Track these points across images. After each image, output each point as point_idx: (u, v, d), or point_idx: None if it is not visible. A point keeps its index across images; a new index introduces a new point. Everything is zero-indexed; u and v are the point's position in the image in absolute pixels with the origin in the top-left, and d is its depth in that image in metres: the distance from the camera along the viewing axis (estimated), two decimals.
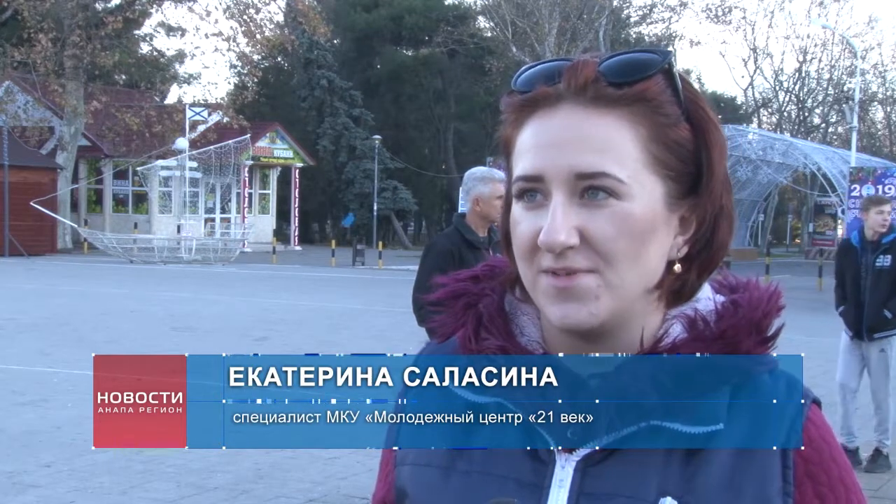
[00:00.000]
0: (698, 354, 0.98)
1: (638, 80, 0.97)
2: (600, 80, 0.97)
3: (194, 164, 33.40)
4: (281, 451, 7.28)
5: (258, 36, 36.38)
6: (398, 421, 1.11)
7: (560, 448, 1.00)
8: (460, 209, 5.48)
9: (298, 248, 41.22)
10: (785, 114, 58.86)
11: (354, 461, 7.09)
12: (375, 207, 43.52)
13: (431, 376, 1.10)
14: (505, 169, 1.07)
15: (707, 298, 1.05)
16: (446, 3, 51.05)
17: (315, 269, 29.15)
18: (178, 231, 33.33)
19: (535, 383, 1.00)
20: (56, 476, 6.50)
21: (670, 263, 1.01)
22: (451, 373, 1.07)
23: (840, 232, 38.45)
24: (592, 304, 0.97)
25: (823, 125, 59.47)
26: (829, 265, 32.34)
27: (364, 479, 6.57)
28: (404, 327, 15.07)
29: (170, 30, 42.08)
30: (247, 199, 39.50)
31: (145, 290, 19.90)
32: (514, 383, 1.01)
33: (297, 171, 42.18)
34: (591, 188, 0.96)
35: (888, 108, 62.13)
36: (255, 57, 40.62)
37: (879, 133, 66.39)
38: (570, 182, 0.96)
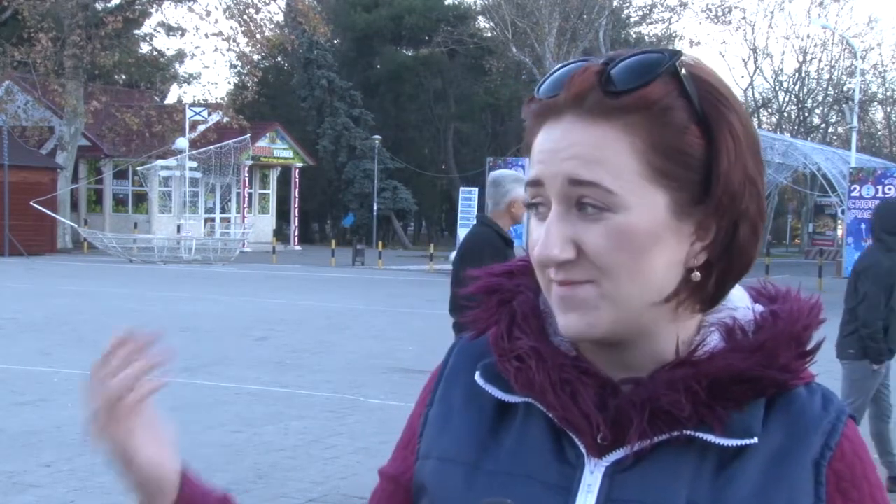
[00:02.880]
0: (736, 366, 0.97)
1: (638, 87, 0.94)
2: (596, 89, 0.94)
3: (194, 164, 33.38)
4: (281, 451, 7.29)
5: (258, 36, 36.40)
6: (426, 412, 1.11)
7: (589, 452, 0.99)
8: (490, 209, 5.54)
9: (298, 248, 41.22)
10: (785, 114, 58.89)
11: (354, 461, 7.09)
12: (375, 207, 43.52)
13: (463, 372, 1.10)
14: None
15: (746, 308, 1.02)
16: (446, 3, 51.06)
17: (315, 269, 29.15)
18: (178, 231, 33.33)
19: (566, 385, 0.99)
20: (56, 476, 6.50)
21: (690, 271, 0.98)
22: (483, 370, 1.06)
23: (840, 232, 38.44)
24: (591, 315, 0.95)
25: (823, 125, 59.49)
26: (828, 266, 32.33)
27: (364, 479, 6.57)
28: (404, 327, 15.07)
29: (170, 30, 42.14)
30: (247, 199, 39.50)
31: (145, 290, 19.90)
32: (545, 384, 1.00)
33: (297, 171, 42.18)
34: (584, 199, 0.94)
35: (888, 109, 62.17)
36: (255, 57, 40.65)
37: (879, 133, 66.42)
38: (565, 190, 0.95)
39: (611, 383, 0.99)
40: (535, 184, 0.97)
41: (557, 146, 0.96)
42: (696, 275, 0.98)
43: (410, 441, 1.12)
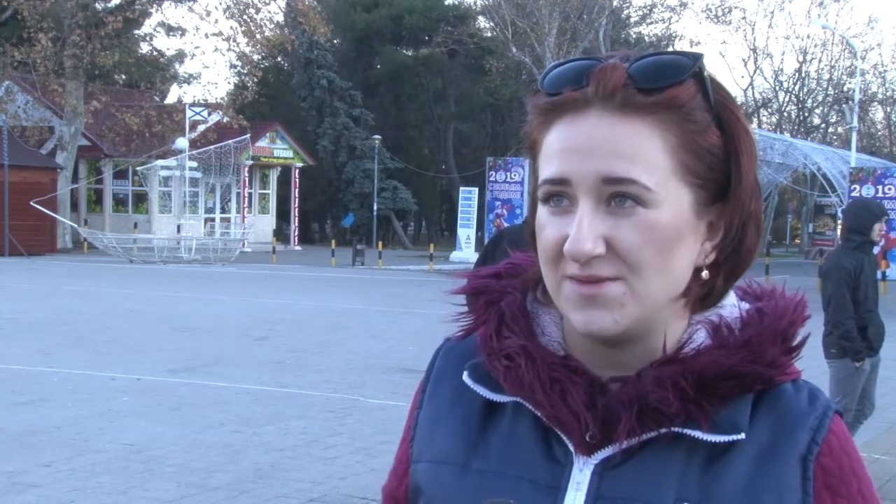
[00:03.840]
0: (722, 362, 0.97)
1: (668, 85, 0.95)
2: (629, 85, 0.94)
3: (194, 164, 33.36)
4: (281, 451, 7.29)
5: (258, 36, 36.38)
6: (416, 415, 1.11)
7: (578, 450, 0.99)
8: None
9: (298, 248, 41.20)
10: (785, 114, 58.87)
11: (354, 461, 7.09)
12: (375, 207, 43.51)
13: (450, 373, 1.10)
14: (531, 168, 1.05)
15: (732, 305, 1.03)
16: (446, 3, 51.04)
17: (315, 269, 29.14)
18: (178, 231, 33.32)
19: (555, 384, 1.00)
20: (56, 476, 6.50)
21: (697, 270, 1.00)
22: (471, 369, 1.07)
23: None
24: (617, 312, 0.95)
25: (823, 125, 59.48)
26: None
27: (364, 479, 6.57)
28: (404, 327, 15.06)
29: (170, 30, 42.13)
30: (247, 199, 39.49)
31: (145, 290, 19.90)
32: (535, 383, 1.00)
33: (297, 170, 42.17)
34: (619, 196, 0.94)
35: (888, 109, 62.15)
36: (255, 57, 40.63)
37: (879, 133, 66.39)
38: (597, 187, 0.94)
39: (600, 382, 1.00)
40: (560, 182, 0.96)
41: (588, 143, 0.95)
42: (706, 273, 1.00)
43: (402, 452, 1.13)
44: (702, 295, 1.01)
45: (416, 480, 1.08)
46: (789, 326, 1.00)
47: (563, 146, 0.96)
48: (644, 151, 0.94)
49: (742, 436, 0.96)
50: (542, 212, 0.99)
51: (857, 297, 6.33)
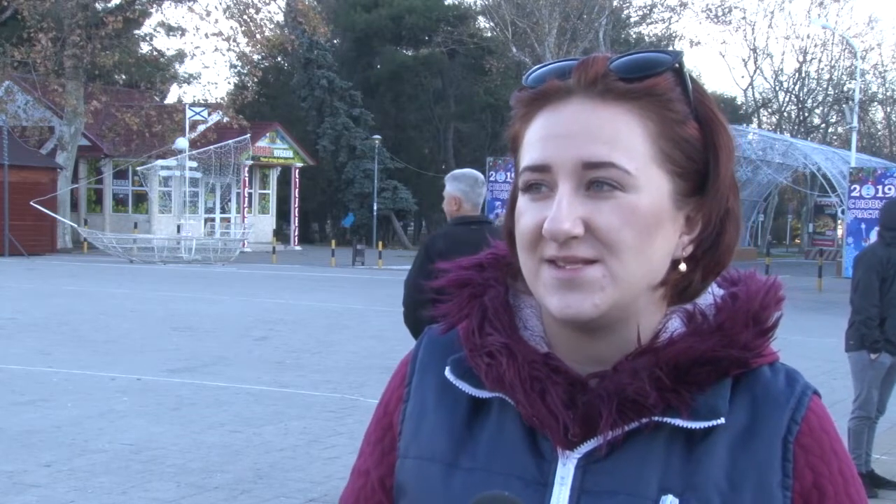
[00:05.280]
0: (695, 348, 0.98)
1: (647, 75, 0.97)
2: (610, 75, 0.97)
3: (194, 164, 33.37)
4: (281, 451, 7.29)
5: (258, 36, 36.38)
6: (403, 407, 1.10)
7: (560, 447, 1.00)
8: (472, 209, 5.33)
9: (298, 248, 41.22)
10: (785, 114, 58.89)
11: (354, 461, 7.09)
12: (375, 207, 43.52)
13: (434, 365, 1.09)
14: (513, 165, 1.06)
15: (708, 293, 1.04)
16: (446, 3, 51.07)
17: (315, 269, 29.14)
18: (178, 231, 33.33)
19: (535, 383, 1.00)
20: (56, 476, 6.50)
21: (675, 262, 1.00)
22: (453, 365, 1.06)
23: (840, 233, 38.44)
24: (598, 295, 0.96)
25: (823, 125, 59.50)
26: (828, 266, 32.30)
27: None
28: (403, 327, 15.04)
29: (170, 30, 42.13)
30: (247, 199, 39.49)
31: (145, 290, 19.90)
32: (515, 381, 1.00)
33: (297, 170, 42.19)
34: (598, 180, 0.95)
35: (888, 109, 62.19)
36: (255, 57, 40.64)
37: (879, 133, 66.43)
38: (577, 172, 0.95)
39: (580, 380, 1.00)
40: (541, 169, 0.97)
41: (569, 129, 0.97)
42: (683, 266, 1.01)
43: (389, 438, 1.11)
44: (680, 289, 1.02)
45: (401, 479, 1.07)
46: (762, 309, 1.01)
47: (544, 133, 0.98)
48: (624, 137, 0.96)
49: (721, 420, 0.97)
50: (522, 200, 1.00)
51: (882, 288, 6.34)
